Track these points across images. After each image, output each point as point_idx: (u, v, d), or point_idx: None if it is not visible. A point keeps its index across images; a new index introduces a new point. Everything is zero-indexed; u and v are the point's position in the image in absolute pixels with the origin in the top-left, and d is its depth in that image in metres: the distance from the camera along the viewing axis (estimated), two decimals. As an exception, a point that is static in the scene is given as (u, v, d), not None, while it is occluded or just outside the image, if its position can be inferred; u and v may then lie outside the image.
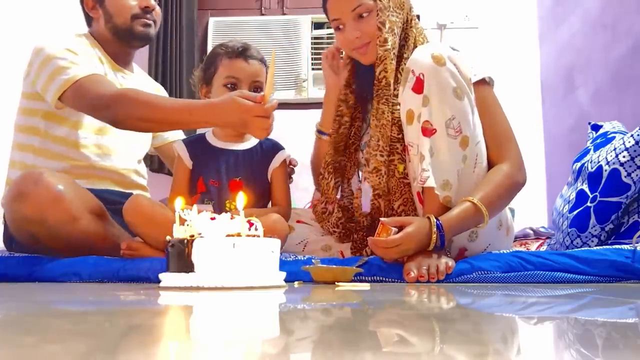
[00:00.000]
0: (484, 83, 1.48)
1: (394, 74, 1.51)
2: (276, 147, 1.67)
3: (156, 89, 2.03)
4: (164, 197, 1.94)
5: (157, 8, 1.85)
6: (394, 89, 1.50)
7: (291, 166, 1.75)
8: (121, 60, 1.87)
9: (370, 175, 1.50)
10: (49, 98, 1.65)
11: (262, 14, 3.71)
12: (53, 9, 2.83)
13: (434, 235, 1.30)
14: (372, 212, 1.52)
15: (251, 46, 1.64)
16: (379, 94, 1.51)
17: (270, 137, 1.61)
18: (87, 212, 1.52)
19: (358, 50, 1.55)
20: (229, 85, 1.59)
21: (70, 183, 1.53)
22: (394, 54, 1.51)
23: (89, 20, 1.88)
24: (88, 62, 1.70)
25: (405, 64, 1.48)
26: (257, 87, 1.61)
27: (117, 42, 1.83)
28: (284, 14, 3.71)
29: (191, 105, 1.52)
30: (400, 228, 1.31)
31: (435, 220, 1.31)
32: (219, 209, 1.52)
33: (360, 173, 1.64)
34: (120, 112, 1.52)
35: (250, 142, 1.66)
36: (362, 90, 1.63)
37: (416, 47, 1.51)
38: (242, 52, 1.61)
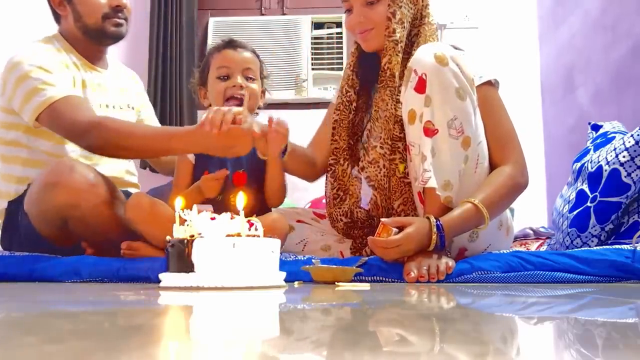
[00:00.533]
0: (489, 85, 1.48)
1: (400, 67, 1.50)
2: None
3: (131, 77, 2.01)
4: (153, 186, 1.96)
5: (128, 5, 1.81)
6: (399, 84, 1.49)
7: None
8: (93, 57, 1.84)
9: (369, 165, 1.50)
10: (26, 118, 1.63)
11: (262, 14, 3.71)
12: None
13: (434, 236, 1.30)
14: (369, 207, 1.52)
15: (239, 40, 1.66)
16: (383, 84, 1.51)
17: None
18: (112, 197, 1.57)
19: (360, 35, 1.56)
20: (221, 77, 1.60)
21: (96, 172, 1.58)
22: (401, 46, 1.51)
23: (57, 17, 1.83)
24: (63, 79, 1.66)
25: None
26: (248, 75, 1.61)
27: (89, 42, 1.80)
28: (284, 14, 3.70)
29: (171, 132, 1.54)
30: (401, 228, 1.31)
31: (435, 220, 1.31)
32: (225, 202, 1.52)
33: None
34: (97, 140, 1.53)
35: None
36: (366, 82, 1.63)
37: None
38: (229, 43, 1.64)
